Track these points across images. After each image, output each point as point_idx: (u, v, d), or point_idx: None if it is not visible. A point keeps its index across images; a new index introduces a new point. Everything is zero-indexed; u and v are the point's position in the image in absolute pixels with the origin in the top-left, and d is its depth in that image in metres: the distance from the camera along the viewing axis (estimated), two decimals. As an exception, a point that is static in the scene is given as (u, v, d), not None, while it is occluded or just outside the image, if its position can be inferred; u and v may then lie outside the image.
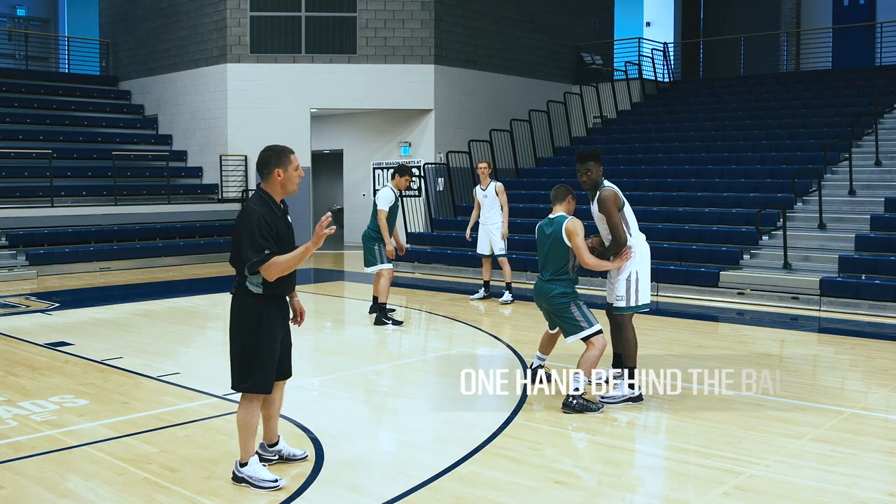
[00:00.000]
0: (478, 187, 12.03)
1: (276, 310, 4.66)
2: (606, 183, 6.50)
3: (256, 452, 4.85)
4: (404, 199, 17.36)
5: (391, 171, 10.76)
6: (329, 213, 4.52)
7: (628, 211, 6.51)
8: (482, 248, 11.98)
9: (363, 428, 5.98)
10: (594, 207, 6.52)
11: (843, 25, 24.21)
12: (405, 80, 19.42)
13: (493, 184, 11.80)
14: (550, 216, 6.47)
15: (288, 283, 4.67)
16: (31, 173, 17.98)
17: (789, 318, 10.78)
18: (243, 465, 4.71)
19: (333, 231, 4.46)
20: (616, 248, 6.39)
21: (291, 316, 4.91)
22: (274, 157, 4.67)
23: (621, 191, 6.59)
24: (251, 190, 19.33)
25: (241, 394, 4.70)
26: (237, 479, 4.73)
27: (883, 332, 9.78)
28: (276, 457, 5.05)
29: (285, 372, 4.87)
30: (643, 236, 6.61)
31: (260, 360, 4.59)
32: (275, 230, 4.53)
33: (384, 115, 20.48)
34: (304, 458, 5.11)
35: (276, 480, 4.68)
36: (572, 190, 6.55)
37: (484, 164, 11.95)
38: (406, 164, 11.13)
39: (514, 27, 21.34)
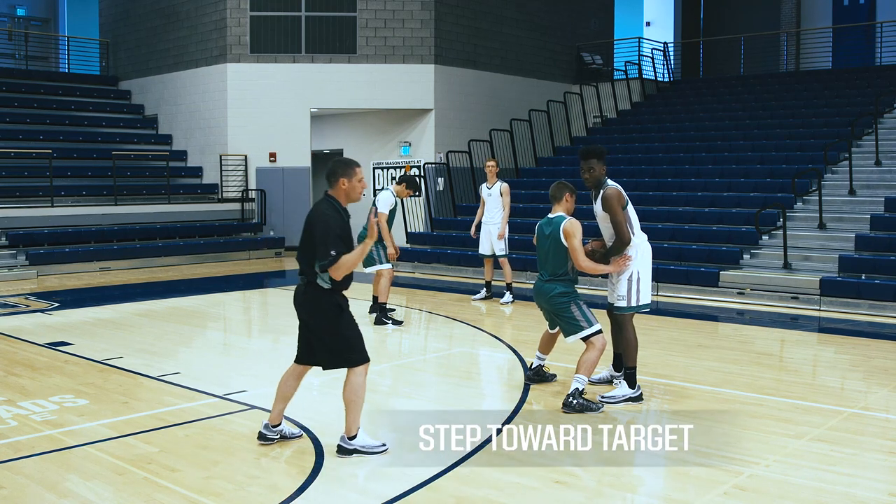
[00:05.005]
0: (483, 185, 11.95)
1: (343, 297, 5.22)
2: (610, 181, 6.47)
3: (260, 433, 5.36)
4: (404, 198, 17.35)
5: (398, 178, 10.71)
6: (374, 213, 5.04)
7: (631, 210, 6.47)
8: (484, 249, 11.93)
9: (363, 428, 5.97)
10: (597, 206, 6.48)
11: (843, 25, 24.20)
12: (405, 80, 19.42)
13: (499, 183, 11.72)
14: (550, 216, 6.46)
15: (350, 279, 5.18)
16: (31, 173, 17.98)
17: (789, 317, 10.79)
18: (352, 437, 5.16)
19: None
20: (620, 247, 6.35)
21: None
22: (341, 168, 5.16)
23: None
24: (251, 190, 19.35)
25: (351, 370, 5.13)
26: (346, 451, 5.15)
27: (883, 332, 9.78)
28: (279, 436, 5.40)
29: (313, 360, 5.32)
30: (645, 236, 6.58)
31: (357, 337, 5.17)
32: (340, 233, 5.05)
33: (384, 115, 20.48)
34: (299, 437, 5.52)
35: (384, 444, 5.22)
36: (570, 186, 6.52)
37: (492, 163, 11.85)
38: (406, 165, 11.11)
39: (514, 27, 21.34)
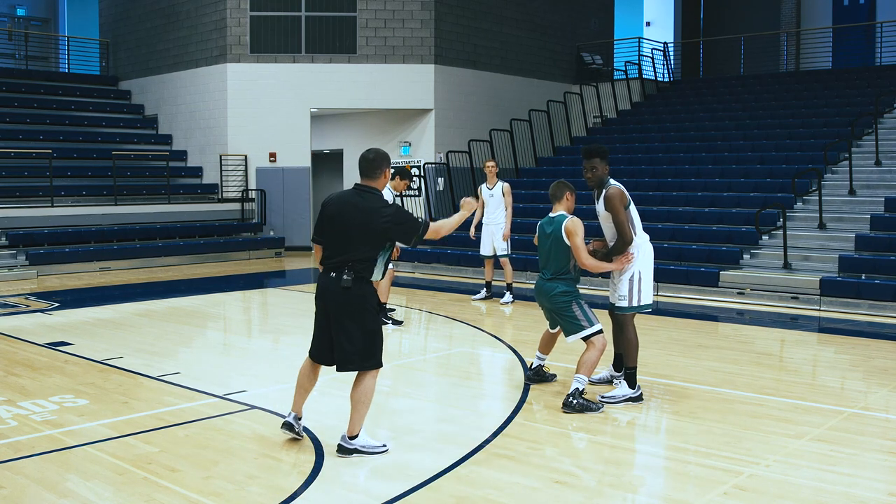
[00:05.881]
0: (483, 186, 11.93)
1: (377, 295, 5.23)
2: (612, 181, 6.46)
3: (286, 422, 5.37)
4: (404, 199, 17.37)
5: (391, 171, 10.68)
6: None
7: (633, 210, 6.46)
8: (485, 249, 11.91)
9: (363, 428, 5.97)
10: (599, 206, 6.47)
11: (843, 25, 24.21)
12: (405, 80, 19.42)
13: (500, 184, 11.69)
14: (551, 215, 6.46)
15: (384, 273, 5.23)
16: (31, 173, 17.99)
17: (789, 317, 10.79)
18: (353, 437, 5.13)
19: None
20: (622, 247, 6.34)
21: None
22: (385, 160, 5.26)
23: (623, 190, 6.56)
24: (251, 190, 19.35)
25: (364, 373, 5.10)
26: (346, 451, 5.13)
27: (883, 332, 9.78)
28: (301, 428, 5.42)
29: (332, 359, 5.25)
30: (647, 236, 6.57)
31: (382, 340, 5.19)
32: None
33: (384, 115, 20.48)
34: (300, 438, 5.48)
35: (384, 444, 5.23)
36: (570, 185, 6.53)
37: (492, 164, 11.83)
38: (406, 165, 11.11)
39: (514, 27, 21.35)
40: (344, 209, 5.08)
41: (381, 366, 5.15)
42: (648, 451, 5.63)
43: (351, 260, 4.99)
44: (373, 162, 5.17)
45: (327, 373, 7.82)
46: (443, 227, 5.28)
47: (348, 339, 5.03)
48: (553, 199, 6.48)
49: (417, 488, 4.66)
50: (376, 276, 5.08)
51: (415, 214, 5.29)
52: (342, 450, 5.16)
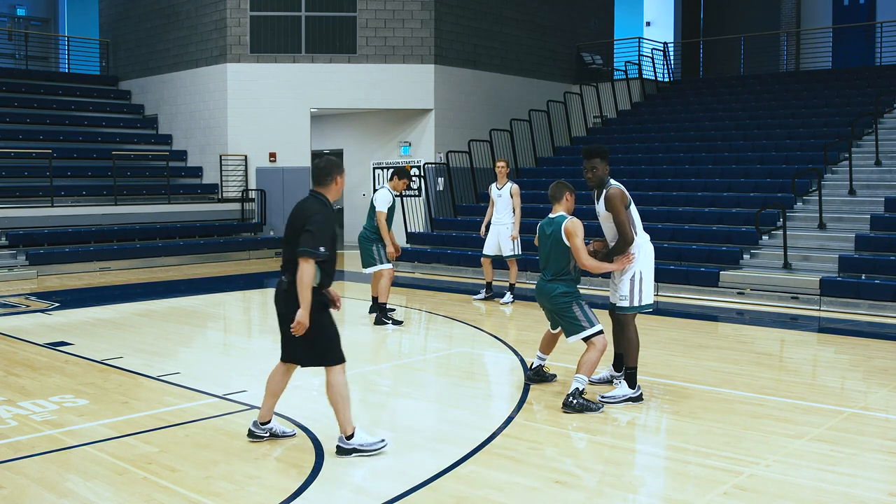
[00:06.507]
0: (493, 185, 11.89)
1: (324, 295, 5.23)
2: (612, 181, 6.45)
3: (249, 430, 5.41)
4: (404, 198, 17.37)
5: (390, 171, 10.71)
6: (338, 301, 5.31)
7: (633, 210, 6.46)
8: (488, 249, 11.85)
9: (363, 428, 5.97)
10: (599, 206, 6.47)
11: (843, 25, 24.21)
12: (405, 80, 19.42)
13: (509, 184, 11.66)
14: (551, 216, 6.46)
15: (331, 279, 5.27)
16: (31, 173, 17.98)
17: (789, 317, 10.79)
18: (350, 436, 5.15)
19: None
20: (623, 247, 6.34)
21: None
22: (337, 168, 5.27)
23: (623, 190, 6.55)
24: (251, 190, 19.35)
25: (329, 370, 5.14)
26: (345, 451, 5.15)
27: (883, 332, 9.78)
28: (268, 434, 5.42)
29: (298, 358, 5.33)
30: (647, 236, 6.57)
31: (336, 337, 5.21)
32: (333, 234, 5.14)
33: (384, 115, 20.48)
34: (292, 436, 5.50)
35: (383, 440, 5.22)
36: (569, 185, 6.52)
37: (502, 164, 11.78)
38: (405, 164, 11.11)
39: (514, 27, 21.34)
40: (293, 213, 5.23)
41: (341, 361, 5.18)
42: (648, 451, 5.64)
43: (290, 262, 5.10)
44: (322, 170, 5.24)
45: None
46: (306, 282, 4.97)
47: (300, 339, 5.12)
48: (552, 200, 6.47)
49: (417, 488, 4.66)
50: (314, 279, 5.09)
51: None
52: (341, 451, 5.17)
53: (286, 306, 5.14)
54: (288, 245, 5.14)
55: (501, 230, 11.65)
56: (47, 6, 28.32)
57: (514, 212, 11.54)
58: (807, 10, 25.45)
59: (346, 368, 5.23)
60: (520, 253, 11.70)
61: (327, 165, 5.25)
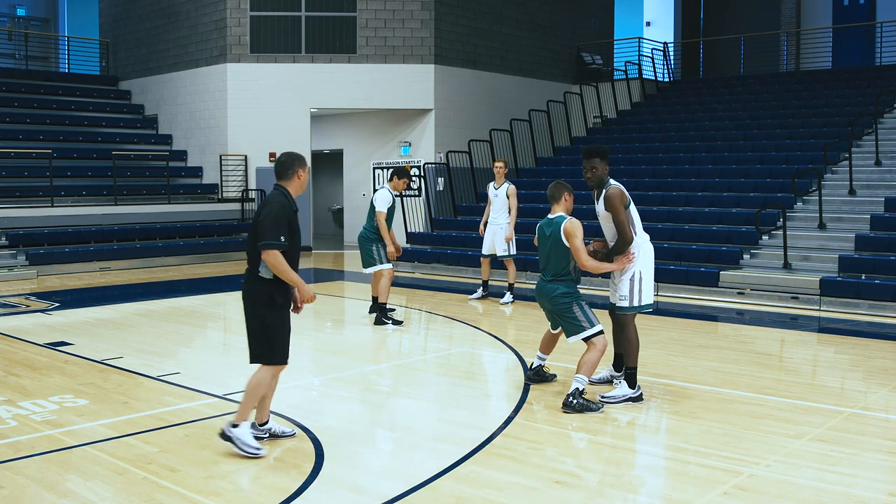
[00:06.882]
0: (491, 185, 11.94)
1: (284, 293, 5.18)
2: (612, 181, 6.46)
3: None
4: (404, 198, 17.37)
5: (390, 171, 10.75)
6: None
7: (633, 210, 6.47)
8: (486, 248, 11.91)
9: (363, 428, 5.98)
10: (599, 206, 6.47)
11: (843, 25, 24.21)
12: (405, 80, 19.42)
13: (506, 184, 11.70)
14: (550, 216, 6.45)
15: (294, 270, 5.17)
16: (31, 173, 17.99)
17: (789, 318, 10.78)
18: (235, 426, 5.14)
19: (313, 300, 5.29)
20: (622, 247, 6.34)
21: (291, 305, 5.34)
22: (298, 161, 5.29)
23: (622, 191, 6.55)
24: (251, 190, 19.35)
25: (261, 366, 5.20)
26: (225, 437, 5.15)
27: (883, 332, 9.78)
28: (267, 435, 5.42)
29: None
30: (647, 236, 6.57)
31: (277, 335, 5.18)
32: (291, 223, 5.10)
33: (384, 115, 20.48)
34: (292, 436, 5.49)
35: (259, 449, 5.11)
36: (568, 186, 6.52)
37: (500, 164, 11.82)
38: (405, 164, 11.12)
39: (514, 27, 21.35)
40: (260, 203, 5.30)
41: (278, 363, 5.20)
42: (648, 451, 5.64)
43: (249, 255, 5.19)
44: (283, 164, 5.26)
45: (327, 372, 7.83)
46: (278, 264, 4.98)
47: (249, 332, 5.23)
48: (551, 201, 6.47)
49: (417, 488, 4.66)
50: (264, 271, 5.09)
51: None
52: (222, 434, 5.19)
53: (245, 300, 5.21)
54: (249, 240, 5.18)
55: (497, 230, 11.69)
56: (47, 6, 28.32)
57: (510, 212, 11.58)
58: (807, 10, 25.45)
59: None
60: (514, 253, 11.73)
61: (288, 160, 5.26)
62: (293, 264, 5.13)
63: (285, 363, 5.26)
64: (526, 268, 13.88)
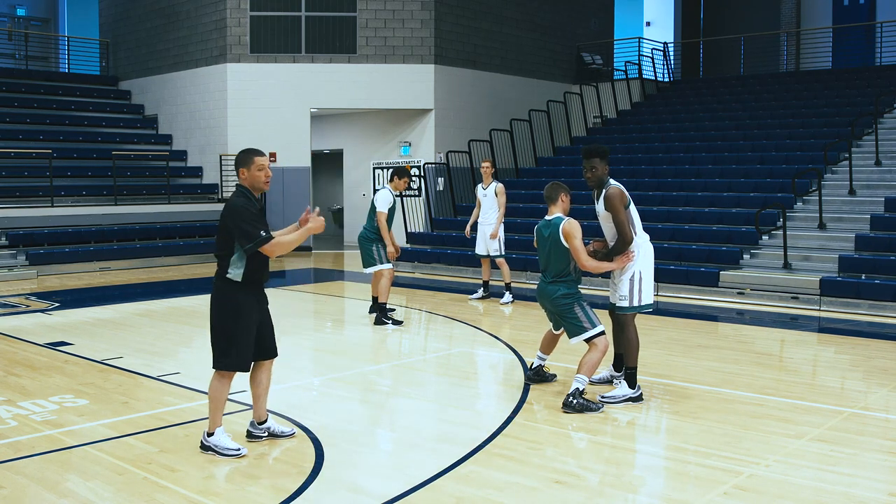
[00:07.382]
0: (479, 186, 12.01)
1: (252, 296, 5.15)
2: (612, 181, 6.46)
3: (247, 430, 5.44)
4: (404, 198, 17.37)
5: (390, 171, 10.78)
6: (313, 208, 5.22)
7: (633, 210, 6.47)
8: (480, 249, 11.97)
9: (363, 428, 5.98)
10: (599, 206, 6.47)
11: (843, 25, 24.21)
12: (405, 80, 19.42)
13: (494, 184, 11.76)
14: (547, 217, 6.46)
15: (264, 272, 5.19)
16: (31, 173, 17.99)
17: (789, 317, 10.78)
18: (210, 434, 5.18)
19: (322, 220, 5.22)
20: (622, 247, 6.34)
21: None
22: (240, 159, 5.22)
23: (622, 191, 6.55)
24: (251, 190, 19.34)
25: (215, 371, 5.14)
26: (204, 447, 5.18)
27: (883, 332, 9.78)
28: (266, 434, 5.44)
29: (270, 351, 5.33)
30: (647, 236, 6.57)
31: (237, 342, 5.08)
32: (255, 217, 5.05)
33: (384, 115, 20.48)
34: (291, 435, 5.49)
35: (238, 449, 5.14)
36: (565, 186, 6.52)
37: (487, 164, 11.91)
38: (405, 164, 11.13)
39: (514, 27, 21.35)
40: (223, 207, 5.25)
41: (231, 369, 5.10)
42: (648, 451, 5.63)
43: (218, 258, 5.12)
44: (237, 162, 5.25)
45: (327, 372, 7.83)
46: (281, 245, 5.03)
47: (212, 335, 5.16)
48: (548, 202, 6.47)
49: (417, 488, 4.66)
50: (233, 274, 5.03)
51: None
52: (202, 446, 5.21)
53: (213, 304, 5.15)
54: (217, 241, 5.14)
55: (486, 230, 11.72)
56: (47, 6, 28.32)
57: (497, 210, 11.63)
58: (807, 10, 25.45)
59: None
60: (504, 252, 11.76)
61: (238, 156, 5.26)
62: (264, 265, 5.12)
63: (245, 370, 5.17)
64: (526, 268, 13.88)
